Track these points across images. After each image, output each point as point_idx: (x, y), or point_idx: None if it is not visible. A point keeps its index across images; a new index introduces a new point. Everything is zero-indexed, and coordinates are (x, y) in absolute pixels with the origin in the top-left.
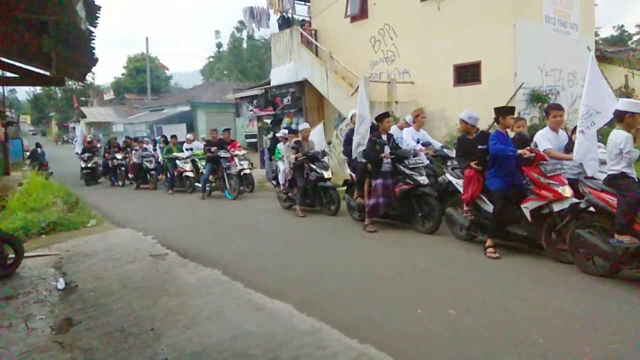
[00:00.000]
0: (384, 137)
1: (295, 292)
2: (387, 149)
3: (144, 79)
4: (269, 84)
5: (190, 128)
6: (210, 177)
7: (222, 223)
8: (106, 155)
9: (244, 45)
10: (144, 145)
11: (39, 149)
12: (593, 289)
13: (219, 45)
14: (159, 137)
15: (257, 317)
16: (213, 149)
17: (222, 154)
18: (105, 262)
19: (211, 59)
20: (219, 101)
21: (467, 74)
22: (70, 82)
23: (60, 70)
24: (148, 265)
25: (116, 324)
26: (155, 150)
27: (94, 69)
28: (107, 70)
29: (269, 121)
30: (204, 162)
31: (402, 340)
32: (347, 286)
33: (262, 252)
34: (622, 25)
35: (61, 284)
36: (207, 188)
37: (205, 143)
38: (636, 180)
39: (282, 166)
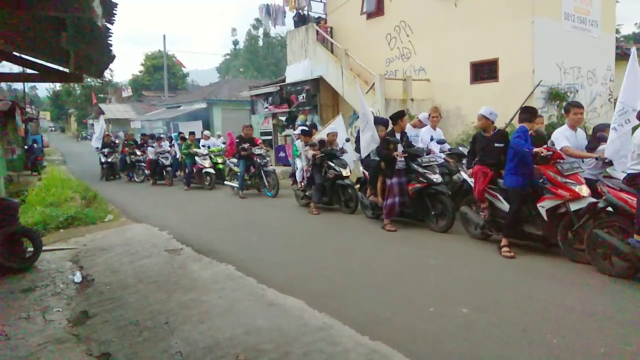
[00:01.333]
0: (398, 135)
1: (307, 288)
2: (400, 148)
3: (161, 76)
4: (284, 81)
5: (207, 125)
6: (246, 176)
7: (236, 219)
8: (125, 151)
9: (260, 43)
10: (161, 143)
11: (35, 145)
12: (609, 290)
13: (236, 42)
14: (176, 133)
15: (269, 312)
16: (246, 145)
17: (257, 150)
18: (121, 256)
19: (227, 57)
20: (234, 98)
21: (484, 71)
22: (88, 79)
23: (79, 66)
24: (163, 260)
25: (131, 318)
26: (172, 146)
27: (111, 66)
28: (125, 67)
29: (284, 118)
30: (219, 159)
31: (414, 338)
32: (359, 283)
33: (275, 249)
34: None
35: (78, 277)
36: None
37: (237, 140)
38: None
39: (300, 164)
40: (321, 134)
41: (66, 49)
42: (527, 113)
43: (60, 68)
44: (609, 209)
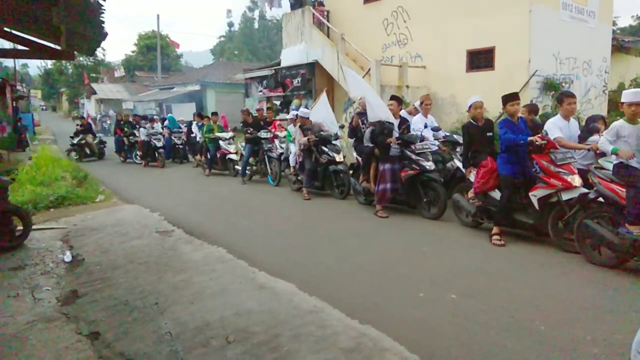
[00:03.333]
0: (396, 122)
1: (298, 272)
2: (395, 134)
3: (154, 56)
4: (279, 64)
5: (200, 107)
6: (251, 160)
7: (229, 202)
8: (118, 131)
9: (256, 25)
10: (154, 124)
11: (19, 123)
12: (598, 279)
13: (231, 24)
14: (170, 115)
15: (259, 295)
16: (250, 129)
17: (263, 134)
18: (112, 236)
19: (222, 39)
20: (228, 81)
21: (480, 59)
22: (81, 58)
23: (70, 43)
24: (154, 241)
25: (121, 298)
26: (164, 128)
27: (104, 45)
28: (117, 47)
29: (278, 102)
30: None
31: (403, 323)
32: (350, 268)
33: (267, 232)
34: None
35: (68, 257)
36: (247, 172)
37: (242, 123)
38: None
39: (293, 148)
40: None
41: (57, 25)
42: (503, 99)
43: (52, 45)
44: (600, 199)
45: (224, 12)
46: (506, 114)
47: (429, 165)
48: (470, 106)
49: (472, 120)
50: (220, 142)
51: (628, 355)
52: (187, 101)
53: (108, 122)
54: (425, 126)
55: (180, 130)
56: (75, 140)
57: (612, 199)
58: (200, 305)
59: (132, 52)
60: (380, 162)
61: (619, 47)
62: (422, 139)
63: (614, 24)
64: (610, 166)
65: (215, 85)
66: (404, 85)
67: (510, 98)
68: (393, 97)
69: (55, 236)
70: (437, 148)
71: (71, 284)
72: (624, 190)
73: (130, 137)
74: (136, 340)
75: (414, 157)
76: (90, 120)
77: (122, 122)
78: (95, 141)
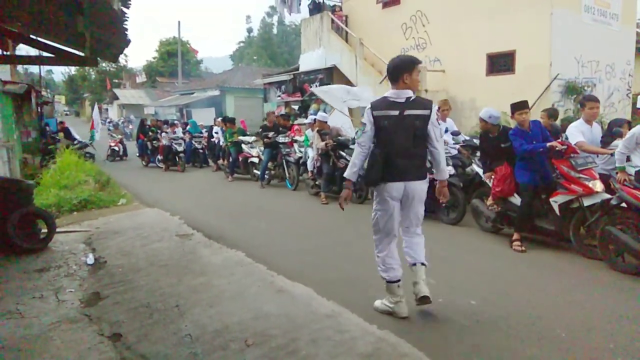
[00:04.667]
0: None
1: (316, 276)
2: None
3: (175, 62)
4: (298, 69)
5: (220, 113)
6: (270, 165)
7: (247, 206)
8: (141, 137)
9: (274, 31)
10: (175, 129)
11: (47, 128)
12: (621, 286)
13: (250, 30)
14: (193, 120)
15: (278, 299)
16: (271, 134)
17: (281, 139)
18: (133, 239)
19: (241, 44)
20: (247, 86)
21: (501, 63)
22: (103, 64)
23: (94, 50)
24: (174, 245)
25: (142, 300)
26: (185, 133)
27: (126, 51)
28: (139, 53)
29: (296, 107)
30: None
31: (422, 328)
32: (367, 272)
33: (285, 236)
34: None
35: (91, 259)
36: (265, 176)
37: (261, 128)
38: None
39: (311, 153)
40: (333, 122)
41: (82, 33)
42: (512, 107)
43: (76, 52)
44: (623, 205)
45: (243, 18)
46: (516, 122)
47: (449, 169)
48: (480, 119)
49: (489, 133)
50: (243, 146)
51: None
52: (207, 106)
53: (130, 127)
54: (446, 130)
55: (201, 134)
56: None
57: (635, 205)
58: (219, 308)
59: (154, 58)
60: None
61: None
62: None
63: (638, 26)
64: (633, 171)
65: (234, 91)
66: (423, 90)
67: (518, 107)
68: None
69: (79, 239)
70: (457, 152)
71: (94, 286)
72: None
73: (154, 142)
74: (157, 342)
75: None
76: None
77: (147, 127)
78: (76, 146)
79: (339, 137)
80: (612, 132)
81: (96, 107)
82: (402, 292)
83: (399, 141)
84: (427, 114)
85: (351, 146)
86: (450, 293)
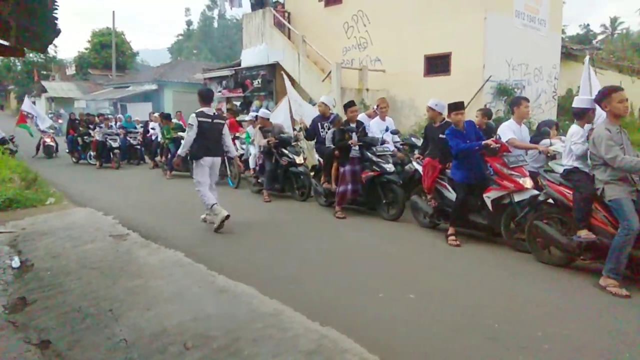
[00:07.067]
0: (353, 125)
1: (259, 274)
2: (354, 137)
3: (108, 54)
4: (239, 65)
5: (157, 107)
6: None
7: (187, 204)
8: (71, 132)
9: (215, 25)
10: (110, 123)
11: None
12: (548, 277)
13: (189, 23)
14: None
15: (219, 299)
16: None
17: None
18: (63, 241)
19: (180, 37)
20: (187, 81)
21: (438, 64)
22: (31, 55)
23: (20, 40)
24: (108, 246)
25: (73, 304)
26: (121, 128)
27: (56, 42)
28: (70, 44)
29: (238, 103)
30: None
31: (364, 323)
32: (311, 270)
33: (226, 235)
34: (588, 25)
35: (16, 263)
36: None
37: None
38: (590, 174)
39: (253, 150)
40: (275, 120)
41: (6, 20)
42: (449, 107)
43: (0, 41)
44: (550, 201)
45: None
46: (451, 122)
47: (389, 167)
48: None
49: (432, 122)
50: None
51: (578, 350)
52: (144, 100)
53: (60, 121)
54: (386, 129)
55: (137, 130)
56: None
57: (561, 201)
58: (157, 310)
59: (86, 49)
60: (340, 163)
61: (568, 54)
62: (383, 141)
63: (563, 32)
64: (559, 169)
65: (172, 85)
66: (364, 89)
67: (454, 107)
68: (353, 103)
69: (2, 241)
70: (394, 150)
71: (19, 291)
72: (571, 192)
73: (85, 137)
74: (89, 348)
75: (374, 158)
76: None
77: (77, 121)
78: None
79: (282, 135)
80: (540, 132)
81: (28, 99)
82: (218, 208)
83: (211, 135)
84: (224, 122)
85: (293, 143)
86: (391, 288)
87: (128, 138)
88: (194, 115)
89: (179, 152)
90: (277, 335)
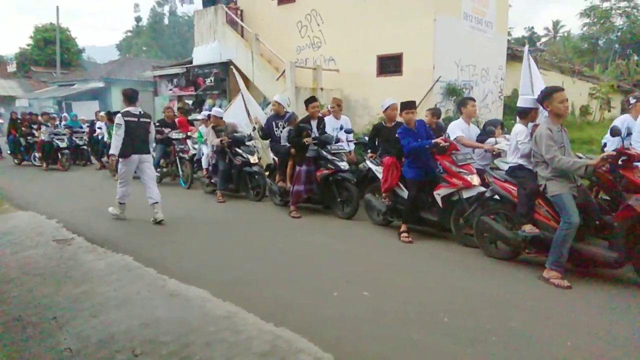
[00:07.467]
0: (314, 122)
1: (212, 277)
2: (313, 133)
3: (53, 51)
4: (191, 62)
5: (104, 105)
6: (162, 162)
7: (135, 206)
8: (13, 132)
9: (166, 21)
10: (55, 123)
11: None
12: (496, 271)
13: (138, 19)
14: (74, 112)
15: (170, 303)
16: (167, 130)
17: (174, 135)
18: (2, 246)
19: (129, 34)
20: (136, 78)
21: (390, 64)
22: None
23: None
24: (51, 251)
25: (13, 313)
26: (67, 127)
27: None
28: (11, 39)
29: (190, 102)
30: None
31: (318, 323)
32: (264, 270)
33: (178, 238)
34: (532, 27)
35: None
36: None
37: (158, 122)
38: (533, 171)
39: (205, 150)
40: (229, 118)
41: None
42: (401, 106)
43: None
44: (496, 197)
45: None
46: (403, 120)
47: (344, 165)
48: (387, 107)
49: (382, 122)
50: None
51: (525, 340)
52: (90, 99)
53: (0, 121)
54: (341, 128)
55: (83, 130)
56: None
57: (506, 197)
58: (104, 317)
59: (28, 45)
60: (296, 162)
61: (514, 56)
62: (337, 140)
63: (509, 34)
64: (504, 166)
65: (121, 83)
66: (318, 88)
67: (406, 106)
68: (314, 99)
69: None
70: (348, 151)
71: None
72: (516, 189)
73: (29, 137)
74: (32, 359)
75: (329, 157)
76: None
77: (18, 121)
78: None
79: (235, 134)
80: (486, 131)
81: None
82: (124, 207)
83: (138, 133)
84: (149, 121)
85: (247, 143)
86: (345, 286)
87: (74, 138)
88: (120, 115)
89: (111, 151)
90: (231, 338)
